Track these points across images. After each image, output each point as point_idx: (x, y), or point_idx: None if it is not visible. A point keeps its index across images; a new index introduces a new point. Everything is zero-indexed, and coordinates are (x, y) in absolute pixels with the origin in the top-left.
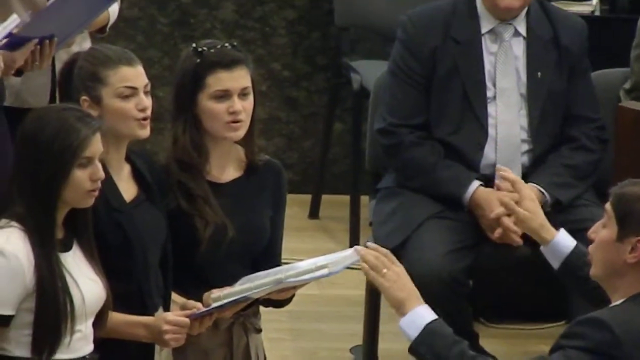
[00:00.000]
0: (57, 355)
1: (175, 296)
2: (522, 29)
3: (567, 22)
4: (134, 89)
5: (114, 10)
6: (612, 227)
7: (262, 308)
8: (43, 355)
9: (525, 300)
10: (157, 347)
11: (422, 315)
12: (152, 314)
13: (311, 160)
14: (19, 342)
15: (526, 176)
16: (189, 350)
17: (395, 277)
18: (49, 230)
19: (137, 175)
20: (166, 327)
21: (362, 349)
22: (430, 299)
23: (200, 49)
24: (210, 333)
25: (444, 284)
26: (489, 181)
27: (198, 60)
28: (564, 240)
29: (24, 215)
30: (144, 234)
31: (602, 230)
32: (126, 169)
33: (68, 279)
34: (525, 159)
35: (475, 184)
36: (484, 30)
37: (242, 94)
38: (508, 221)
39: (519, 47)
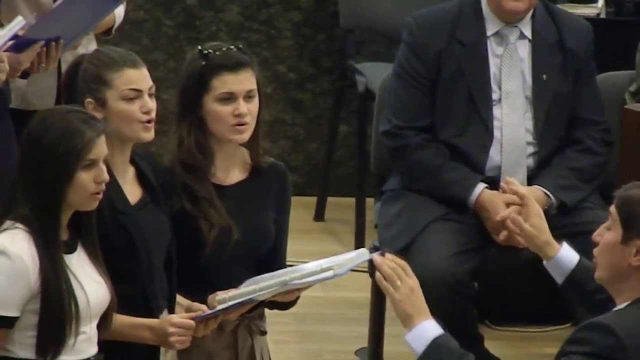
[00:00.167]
0: (62, 357)
1: (180, 298)
2: (528, 32)
3: (572, 25)
4: (139, 91)
5: (119, 12)
6: (617, 229)
7: (267, 310)
8: (47, 356)
9: (530, 303)
10: (162, 350)
11: (428, 329)
12: (157, 317)
13: (316, 163)
14: (23, 344)
15: (531, 179)
16: (194, 353)
17: (408, 291)
18: (53, 232)
19: (141, 177)
20: (171, 329)
21: (367, 352)
22: (435, 301)
23: (205, 52)
24: (215, 335)
25: (449, 286)
26: (494, 183)
27: (203, 63)
28: (568, 256)
29: (29, 217)
30: (149, 236)
31: (607, 233)
32: (130, 171)
33: (72, 280)
34: (530, 161)
35: (481, 186)
36: (489, 32)
37: (248, 97)
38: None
39: (524, 50)
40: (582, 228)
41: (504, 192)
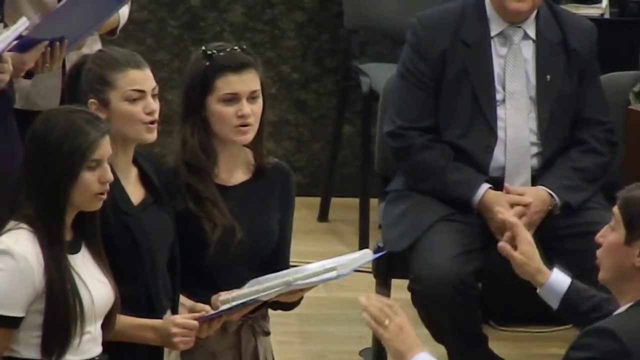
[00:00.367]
0: (67, 357)
1: (183, 299)
2: (532, 32)
3: (576, 25)
4: (142, 92)
5: (124, 12)
6: (620, 230)
7: (270, 311)
8: (52, 356)
9: (534, 303)
10: (165, 350)
11: None
12: (160, 317)
13: (320, 163)
14: (28, 344)
15: (535, 179)
16: (197, 353)
17: (397, 329)
18: (57, 232)
19: (144, 178)
20: (175, 329)
21: (371, 352)
22: (439, 302)
23: (209, 52)
24: (219, 336)
25: (453, 287)
26: (498, 184)
27: (207, 63)
28: (559, 280)
29: (33, 217)
30: (152, 236)
31: (610, 234)
32: (133, 172)
33: (77, 280)
34: (534, 161)
35: (485, 186)
36: (493, 33)
37: (251, 97)
38: None
39: (528, 50)
40: (586, 228)
41: (508, 192)
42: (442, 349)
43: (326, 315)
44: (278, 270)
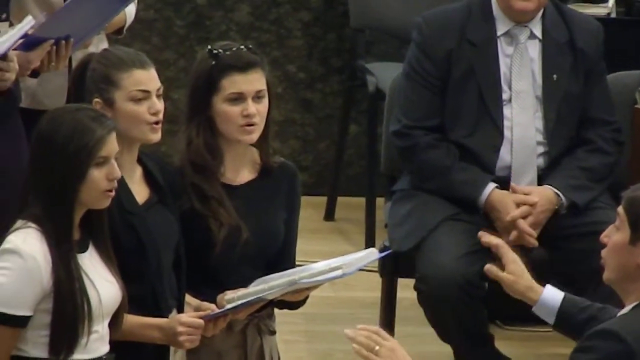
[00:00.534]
0: (74, 356)
1: (189, 298)
2: (538, 32)
3: (583, 25)
4: (147, 92)
5: (131, 11)
6: (625, 230)
7: (276, 310)
8: (60, 355)
9: None
10: (171, 349)
11: None
12: (166, 316)
13: (326, 163)
14: (36, 343)
15: (542, 178)
16: (203, 352)
17: (389, 352)
18: (66, 231)
19: (148, 177)
20: (180, 328)
21: None
22: (445, 302)
23: (215, 51)
24: (225, 335)
25: (459, 287)
26: (504, 183)
27: (213, 63)
28: (552, 295)
29: (41, 216)
30: (157, 236)
31: (615, 234)
32: (138, 171)
33: (85, 279)
34: (540, 161)
35: (491, 186)
36: (499, 32)
37: (257, 97)
38: (523, 223)
39: (534, 50)
40: (592, 228)
41: (514, 192)
42: (448, 349)
43: (332, 314)
44: (284, 270)
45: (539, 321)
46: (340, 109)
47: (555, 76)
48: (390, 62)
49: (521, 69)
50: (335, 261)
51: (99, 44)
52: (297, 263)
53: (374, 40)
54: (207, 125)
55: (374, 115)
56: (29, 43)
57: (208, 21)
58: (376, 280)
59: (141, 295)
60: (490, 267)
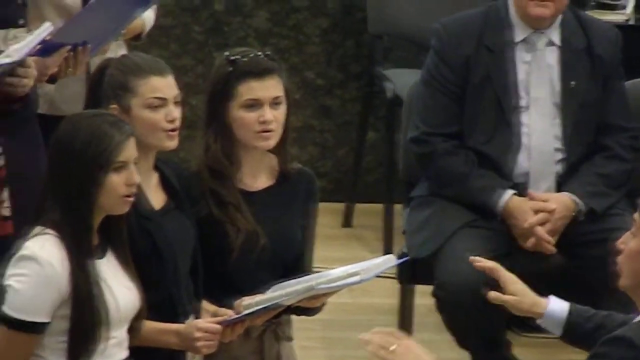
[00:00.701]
0: None
1: (206, 304)
2: (556, 38)
3: (600, 32)
4: (164, 99)
5: (150, 17)
6: None
7: (293, 316)
8: None
9: None
10: (189, 355)
11: None
12: (183, 322)
13: (345, 169)
14: (54, 349)
15: (560, 185)
16: (220, 358)
17: (406, 350)
18: (85, 237)
19: (165, 183)
20: (198, 334)
21: None
22: (462, 308)
23: (233, 58)
24: (242, 341)
25: (476, 293)
26: (522, 190)
27: (230, 69)
28: (557, 306)
29: (59, 222)
30: (174, 242)
31: (631, 240)
32: (154, 177)
33: (103, 285)
34: (558, 167)
35: (509, 192)
36: (517, 39)
37: (274, 103)
38: (541, 230)
39: (552, 56)
40: (609, 234)
41: (532, 199)
42: (465, 355)
43: (350, 321)
44: (301, 276)
45: None
46: (359, 116)
47: (573, 83)
48: (409, 68)
49: (539, 76)
50: (352, 267)
51: (118, 50)
52: (314, 269)
53: (391, 47)
54: (225, 132)
55: (392, 121)
56: (46, 49)
57: (226, 27)
58: (394, 286)
59: (158, 301)
60: (492, 294)
